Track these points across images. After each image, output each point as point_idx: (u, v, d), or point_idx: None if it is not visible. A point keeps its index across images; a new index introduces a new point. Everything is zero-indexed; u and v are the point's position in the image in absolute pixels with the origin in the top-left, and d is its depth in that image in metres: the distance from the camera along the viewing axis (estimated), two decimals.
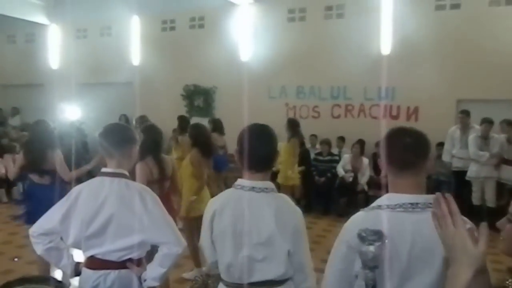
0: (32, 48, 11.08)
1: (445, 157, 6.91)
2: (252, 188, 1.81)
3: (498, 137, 6.39)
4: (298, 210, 1.87)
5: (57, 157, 3.88)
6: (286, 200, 1.88)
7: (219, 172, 7.22)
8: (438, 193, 1.04)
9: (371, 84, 7.80)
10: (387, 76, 6.97)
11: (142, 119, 6.57)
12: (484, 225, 0.96)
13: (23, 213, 4.08)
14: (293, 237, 1.79)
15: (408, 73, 7.42)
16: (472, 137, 6.43)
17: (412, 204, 1.43)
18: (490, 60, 6.96)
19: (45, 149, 3.89)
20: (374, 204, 1.52)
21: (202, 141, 4.38)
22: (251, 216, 1.78)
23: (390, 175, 1.52)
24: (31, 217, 3.62)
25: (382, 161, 1.54)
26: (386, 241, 1.34)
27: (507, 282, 1.00)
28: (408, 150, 1.46)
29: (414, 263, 1.40)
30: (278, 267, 1.78)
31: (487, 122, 6.34)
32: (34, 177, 3.95)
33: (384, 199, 1.50)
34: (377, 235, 1.33)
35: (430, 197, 1.42)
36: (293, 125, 6.39)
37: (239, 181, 1.86)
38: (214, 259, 1.91)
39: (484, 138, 6.37)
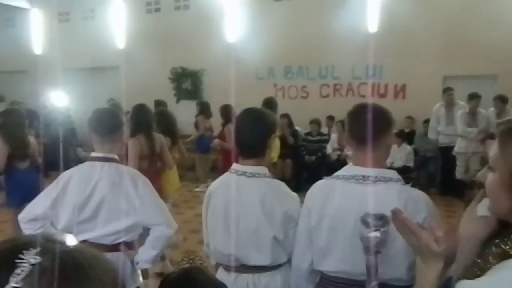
0: (13, 33, 10.75)
1: (431, 135, 6.95)
2: (244, 173, 1.79)
3: (485, 112, 6.41)
4: (292, 197, 1.80)
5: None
6: (278, 186, 1.82)
7: (204, 154, 7.26)
8: (394, 209, 1.00)
9: (358, 63, 7.78)
10: (375, 55, 6.94)
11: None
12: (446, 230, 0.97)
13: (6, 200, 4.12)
14: (283, 224, 1.73)
15: (395, 51, 7.41)
16: (460, 113, 6.41)
17: (363, 176, 1.53)
18: (475, 37, 6.97)
19: (26, 135, 4.02)
20: (335, 173, 1.64)
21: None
22: (240, 201, 1.77)
23: (353, 149, 1.62)
24: (13, 202, 3.67)
25: (346, 136, 1.65)
26: (391, 224, 1.27)
27: (507, 248, 0.98)
28: (367, 125, 1.52)
29: (359, 229, 1.47)
30: (264, 255, 1.74)
31: (477, 98, 6.28)
32: (17, 163, 4.00)
33: (343, 170, 1.62)
34: (382, 220, 1.28)
35: (382, 171, 1.55)
36: (265, 105, 6.36)
37: (234, 165, 1.85)
38: (207, 241, 1.93)
39: (472, 114, 6.35)
